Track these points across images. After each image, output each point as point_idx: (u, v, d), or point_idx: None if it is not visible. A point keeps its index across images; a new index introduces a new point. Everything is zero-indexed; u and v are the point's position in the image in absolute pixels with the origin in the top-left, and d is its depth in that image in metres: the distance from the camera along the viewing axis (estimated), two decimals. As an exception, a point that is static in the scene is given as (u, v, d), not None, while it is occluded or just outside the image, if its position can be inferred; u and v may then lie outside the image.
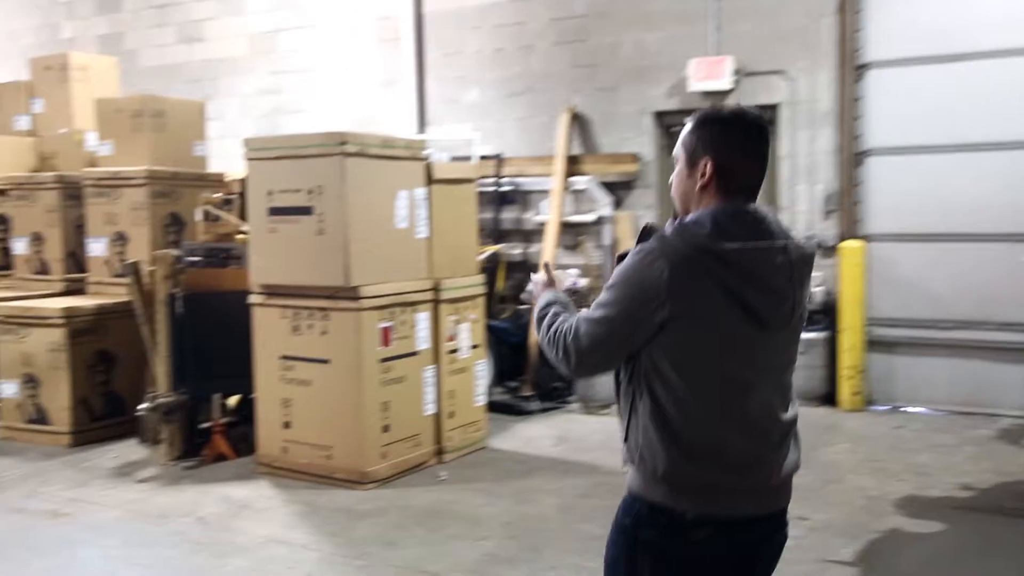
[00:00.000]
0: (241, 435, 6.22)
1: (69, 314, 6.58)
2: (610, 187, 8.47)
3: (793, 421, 2.22)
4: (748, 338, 2.11)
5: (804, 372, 7.60)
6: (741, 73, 7.94)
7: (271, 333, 5.81)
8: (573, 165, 8.51)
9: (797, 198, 7.95)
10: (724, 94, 8.00)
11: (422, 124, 9.46)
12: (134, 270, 6.35)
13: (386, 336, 5.72)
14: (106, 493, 5.49)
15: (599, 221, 8.44)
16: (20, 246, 7.91)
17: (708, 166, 2.16)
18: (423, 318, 6.01)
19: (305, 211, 5.59)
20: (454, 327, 6.25)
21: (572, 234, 8.55)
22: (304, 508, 5.22)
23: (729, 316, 2.07)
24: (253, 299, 5.88)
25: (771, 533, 2.21)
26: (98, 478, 5.79)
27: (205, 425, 6.18)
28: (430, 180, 6.10)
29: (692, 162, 2.21)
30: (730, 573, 2.16)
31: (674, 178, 2.28)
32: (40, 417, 6.66)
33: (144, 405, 6.00)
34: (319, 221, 5.54)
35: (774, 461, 2.17)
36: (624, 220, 8.33)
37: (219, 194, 6.81)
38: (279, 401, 5.80)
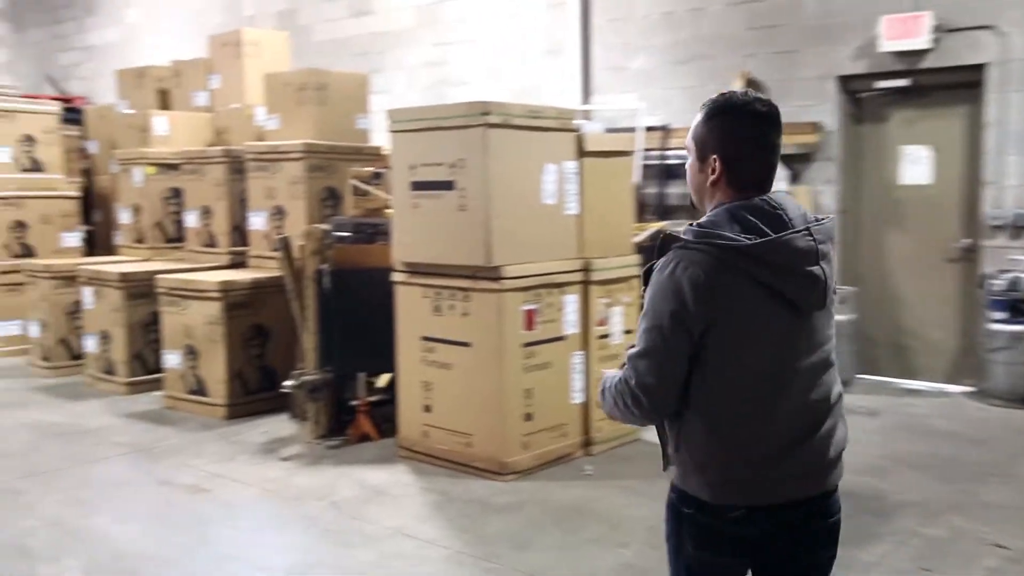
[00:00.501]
0: (387, 415, 6.08)
1: (225, 288, 6.64)
2: (787, 159, 7.75)
3: (838, 399, 2.24)
4: (786, 327, 2.14)
5: (1006, 368, 6.71)
6: (941, 30, 7.04)
7: (413, 313, 5.61)
8: (746, 136, 7.84)
9: (1005, 171, 6.99)
10: (921, 54, 7.12)
11: (586, 94, 9.03)
12: (285, 245, 6.31)
13: (530, 319, 5.39)
14: (248, 470, 5.46)
15: (774, 196, 7.75)
16: (191, 219, 8.12)
17: (717, 162, 2.17)
18: (571, 300, 5.63)
19: (447, 186, 5.33)
20: (605, 311, 5.84)
21: (743, 210, 7.90)
22: (438, 498, 4.99)
23: (765, 309, 2.11)
24: (396, 277, 5.69)
25: (816, 513, 2.22)
26: (244, 453, 5.80)
27: (355, 402, 6.08)
28: (581, 152, 5.69)
29: (702, 157, 2.21)
30: (771, 550, 2.20)
31: (688, 170, 2.28)
32: (199, 388, 6.78)
33: (289, 382, 5.96)
34: (460, 196, 5.26)
35: (819, 443, 2.19)
36: (802, 196, 7.61)
37: (370, 168, 6.67)
38: (420, 384, 5.60)
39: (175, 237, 8.50)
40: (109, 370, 7.54)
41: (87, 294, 7.65)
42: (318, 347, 6.09)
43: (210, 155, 7.94)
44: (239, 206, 7.76)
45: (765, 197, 2.16)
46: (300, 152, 7.17)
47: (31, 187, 9.08)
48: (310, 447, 5.93)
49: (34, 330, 8.27)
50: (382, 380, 6.25)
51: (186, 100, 9.69)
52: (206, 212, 7.98)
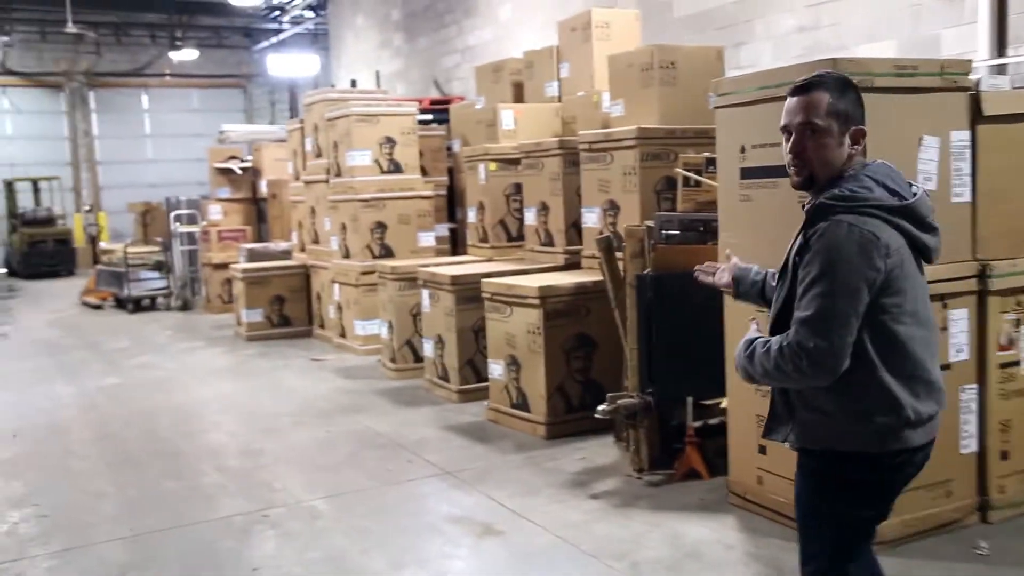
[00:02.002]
0: (721, 448, 5.05)
1: (545, 294, 6.00)
2: None
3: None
4: (922, 277, 2.45)
5: None
6: None
7: (743, 329, 4.51)
8: None
9: None
10: None
11: (1000, 45, 7.15)
12: (606, 246, 5.52)
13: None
14: (550, 509, 4.74)
15: None
16: (529, 216, 7.65)
17: (859, 132, 2.48)
18: (960, 317, 4.20)
19: (785, 172, 4.16)
20: (1012, 330, 4.30)
21: None
22: (766, 572, 3.89)
23: (914, 261, 2.40)
24: (724, 286, 4.62)
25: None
26: (552, 485, 5.09)
27: (693, 427, 5.14)
28: (977, 118, 4.22)
29: (843, 130, 2.44)
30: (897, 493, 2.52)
31: (817, 146, 2.44)
32: (521, 402, 6.23)
33: (602, 406, 5.15)
34: (801, 184, 4.08)
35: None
36: None
37: (705, 154, 5.64)
38: (755, 417, 4.50)
39: (517, 236, 8.11)
40: (444, 376, 7.30)
41: (425, 297, 7.47)
42: (639, 365, 5.22)
43: (546, 147, 7.39)
44: (576, 201, 7.12)
45: (881, 161, 2.49)
46: (633, 139, 6.32)
47: (390, 188, 9.22)
48: (628, 482, 5.08)
49: (384, 331, 8.33)
50: (726, 403, 5.23)
51: (539, 91, 9.31)
52: (543, 208, 7.44)
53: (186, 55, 23.54)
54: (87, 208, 23.30)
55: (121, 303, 13.72)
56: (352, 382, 7.99)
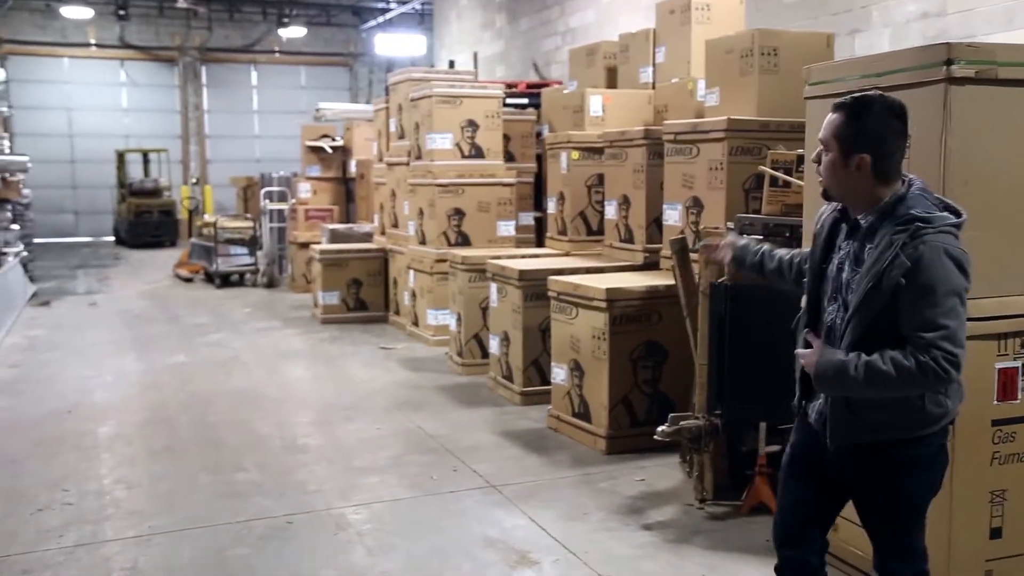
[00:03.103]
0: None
1: (613, 296, 5.50)
2: None
3: None
4: None
5: None
6: None
7: (826, 355, 3.93)
8: None
9: None
10: None
11: None
12: (679, 247, 4.98)
13: (1010, 383, 3.44)
14: (596, 538, 4.27)
15: None
16: (610, 210, 7.15)
17: (863, 159, 2.62)
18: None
19: (883, 175, 3.57)
20: None
21: None
22: (832, 641, 3.34)
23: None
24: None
25: None
26: (604, 509, 4.62)
27: (765, 455, 4.59)
28: (1124, 120, 3.53)
29: (848, 154, 2.63)
30: None
31: (825, 165, 2.69)
32: (583, 412, 5.77)
33: (663, 427, 4.63)
34: (902, 191, 3.49)
35: None
36: None
37: (798, 151, 5.03)
38: (985, 494, 3.91)
39: (598, 230, 7.62)
40: (508, 375, 6.88)
41: (493, 291, 7.06)
42: (708, 382, 4.69)
43: (631, 137, 6.85)
44: (659, 196, 6.58)
45: (919, 180, 2.70)
46: (722, 131, 5.75)
47: (470, 173, 8.83)
48: (687, 512, 4.57)
49: (452, 323, 7.96)
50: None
51: (633, 77, 8.74)
52: (624, 202, 6.93)
53: (294, 32, 23.72)
54: (194, 181, 23.76)
55: (210, 277, 13.78)
56: (416, 375, 7.66)
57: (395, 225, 10.15)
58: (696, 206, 5.99)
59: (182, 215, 22.35)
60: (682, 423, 4.61)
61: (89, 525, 4.46)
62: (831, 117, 2.64)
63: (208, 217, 17.59)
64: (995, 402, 3.42)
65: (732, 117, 5.80)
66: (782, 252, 3.22)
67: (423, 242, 9.05)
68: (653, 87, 8.31)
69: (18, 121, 23.19)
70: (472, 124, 8.91)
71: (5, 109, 13.39)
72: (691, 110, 7.30)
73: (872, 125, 2.58)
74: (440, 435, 5.90)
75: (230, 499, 4.80)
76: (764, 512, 4.45)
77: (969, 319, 3.32)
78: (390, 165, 10.17)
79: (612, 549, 4.14)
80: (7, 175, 13.64)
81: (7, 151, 14.13)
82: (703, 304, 4.71)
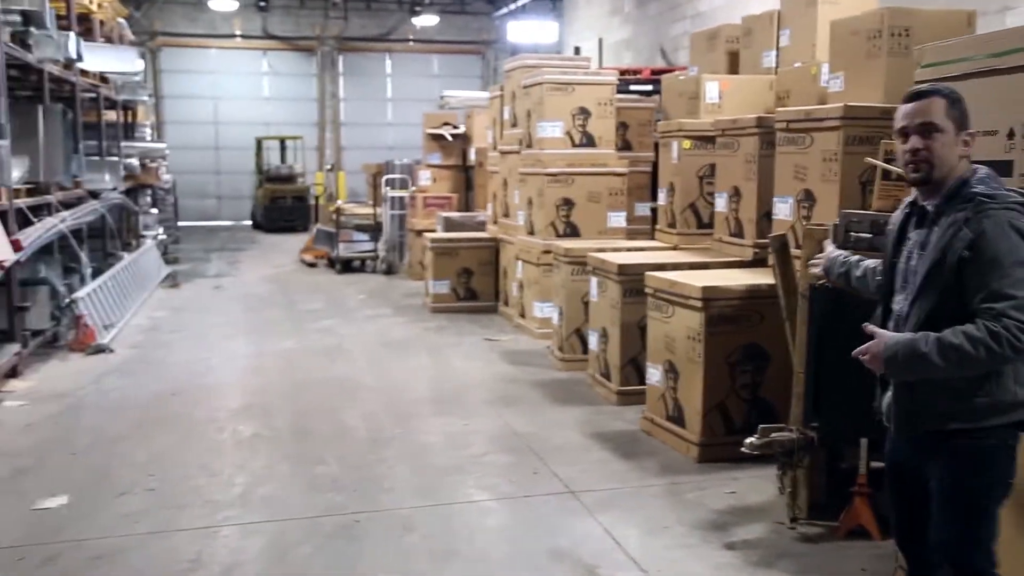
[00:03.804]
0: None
1: (709, 295, 5.17)
2: None
3: None
4: None
5: None
6: None
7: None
8: None
9: None
10: None
11: None
12: (779, 245, 4.62)
13: None
14: (671, 556, 3.99)
15: None
16: (720, 202, 6.77)
17: (971, 135, 2.70)
18: None
19: (1004, 169, 3.15)
20: None
21: None
22: None
23: None
24: (911, 309, 3.65)
25: None
26: (685, 523, 4.32)
27: (862, 472, 4.20)
28: None
29: (959, 132, 2.67)
30: None
31: (940, 147, 2.64)
32: (677, 416, 5.46)
33: (751, 439, 4.28)
34: (1023, 188, 3.06)
35: None
36: None
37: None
38: None
39: (708, 223, 7.24)
40: (605, 373, 6.62)
41: (593, 285, 6.81)
42: (805, 392, 4.32)
43: (743, 125, 6.46)
44: (771, 188, 6.17)
45: (984, 166, 2.71)
46: (837, 118, 5.30)
47: (581, 163, 8.58)
48: (777, 531, 4.23)
49: (555, 317, 7.75)
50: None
51: (755, 62, 8.28)
52: (735, 194, 6.54)
53: (427, 20, 23.89)
54: (328, 167, 24.33)
55: (332, 262, 14.02)
56: (516, 368, 7.49)
57: (506, 214, 10.01)
58: (808, 200, 5.56)
59: (320, 200, 22.94)
60: (774, 435, 4.25)
61: (166, 512, 4.49)
62: (927, 103, 2.67)
63: (333, 203, 17.98)
64: None
65: (850, 104, 5.35)
66: (870, 262, 3.24)
67: (531, 232, 8.87)
68: (776, 72, 7.84)
69: (168, 109, 24.39)
70: (584, 112, 8.65)
71: (147, 98, 14.00)
72: (814, 96, 6.82)
73: (965, 108, 2.69)
74: (527, 433, 5.71)
75: (305, 493, 4.75)
76: (862, 536, 4.09)
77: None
78: (503, 153, 10.03)
79: (688, 568, 3.86)
80: (148, 161, 14.25)
81: (148, 138, 14.74)
82: (802, 307, 4.34)
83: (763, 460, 4.85)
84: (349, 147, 25.54)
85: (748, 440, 4.29)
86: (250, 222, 23.39)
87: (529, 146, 9.00)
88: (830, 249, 3.51)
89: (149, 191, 14.71)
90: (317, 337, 8.82)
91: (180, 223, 20.87)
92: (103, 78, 11.01)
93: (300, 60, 25.33)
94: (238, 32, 24.51)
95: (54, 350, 8.16)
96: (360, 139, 25.41)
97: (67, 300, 8.32)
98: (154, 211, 14.80)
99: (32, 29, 7.60)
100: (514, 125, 9.72)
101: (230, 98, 24.75)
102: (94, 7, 11.32)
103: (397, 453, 5.40)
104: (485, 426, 5.90)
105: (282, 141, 23.48)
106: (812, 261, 3.77)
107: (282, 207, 21.72)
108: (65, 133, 8.80)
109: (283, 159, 23.39)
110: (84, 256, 9.54)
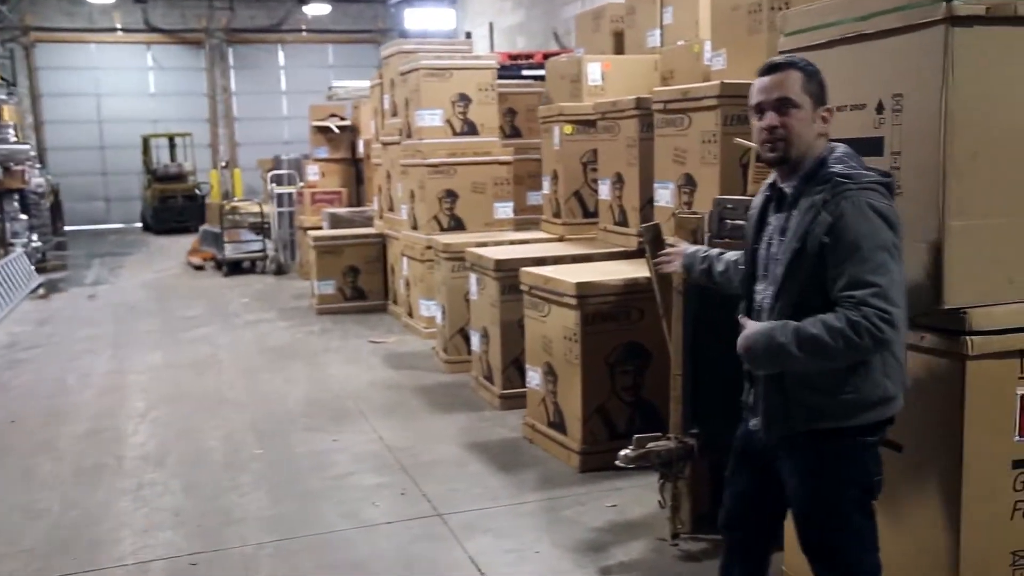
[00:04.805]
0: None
1: (584, 292, 4.80)
2: None
3: None
4: None
5: None
6: None
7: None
8: None
9: None
10: None
11: None
12: (652, 236, 4.25)
13: (1034, 412, 2.69)
14: (543, 584, 3.61)
15: None
16: (604, 189, 6.42)
17: (828, 111, 2.50)
18: None
19: (871, 147, 2.83)
20: None
21: None
22: None
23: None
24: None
25: None
26: (560, 545, 3.94)
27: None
28: None
29: (816, 108, 2.47)
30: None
31: (796, 122, 2.43)
32: (558, 421, 5.08)
33: (625, 451, 3.92)
34: (893, 169, 2.74)
35: None
36: None
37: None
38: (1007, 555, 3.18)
39: (595, 211, 6.89)
40: (488, 376, 6.22)
41: (472, 282, 6.40)
42: (683, 396, 3.98)
43: (622, 107, 6.12)
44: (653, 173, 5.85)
45: (843, 144, 2.50)
46: (714, 97, 4.98)
47: (463, 152, 8.14)
48: (659, 549, 3.88)
49: (438, 316, 7.32)
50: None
51: (640, 42, 7.94)
52: (618, 181, 6.19)
53: (319, 9, 23.13)
54: (223, 164, 23.38)
55: (219, 264, 13.32)
56: (398, 373, 7.03)
57: (391, 208, 9.52)
58: (689, 184, 5.24)
59: (214, 199, 21.99)
60: (650, 445, 3.89)
61: (-28, 566, 3.91)
62: (783, 76, 2.46)
63: (228, 202, 17.17)
64: (1016, 438, 2.66)
65: (726, 81, 5.04)
66: (731, 254, 3.06)
67: (415, 227, 8.41)
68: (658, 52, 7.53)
69: (47, 108, 23.08)
70: (464, 98, 8.21)
71: (3, 97, 13.03)
72: (698, 76, 6.50)
73: (823, 81, 2.50)
74: (401, 448, 5.26)
75: (141, 533, 4.22)
76: (749, 550, 3.73)
77: (980, 332, 2.61)
78: (384, 145, 9.53)
79: (562, 599, 3.47)
80: (11, 164, 13.30)
81: (12, 139, 13.76)
82: (677, 303, 3.99)
83: (650, 467, 4.53)
84: (244, 143, 24.62)
85: (623, 452, 3.91)
86: (140, 224, 22.33)
87: (409, 136, 8.52)
88: (683, 245, 3.35)
89: (16, 196, 13.72)
90: (189, 348, 8.21)
91: (67, 228, 19.75)
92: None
93: (187, 53, 24.26)
94: (119, 25, 23.33)
95: None
96: (255, 134, 24.49)
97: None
98: (23, 217, 13.82)
99: None
100: (395, 115, 9.23)
101: (114, 95, 23.56)
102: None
103: (254, 478, 4.90)
104: (355, 441, 5.43)
105: (171, 138, 22.44)
106: (658, 261, 3.56)
107: (172, 207, 20.75)
108: None
109: (173, 157, 22.37)
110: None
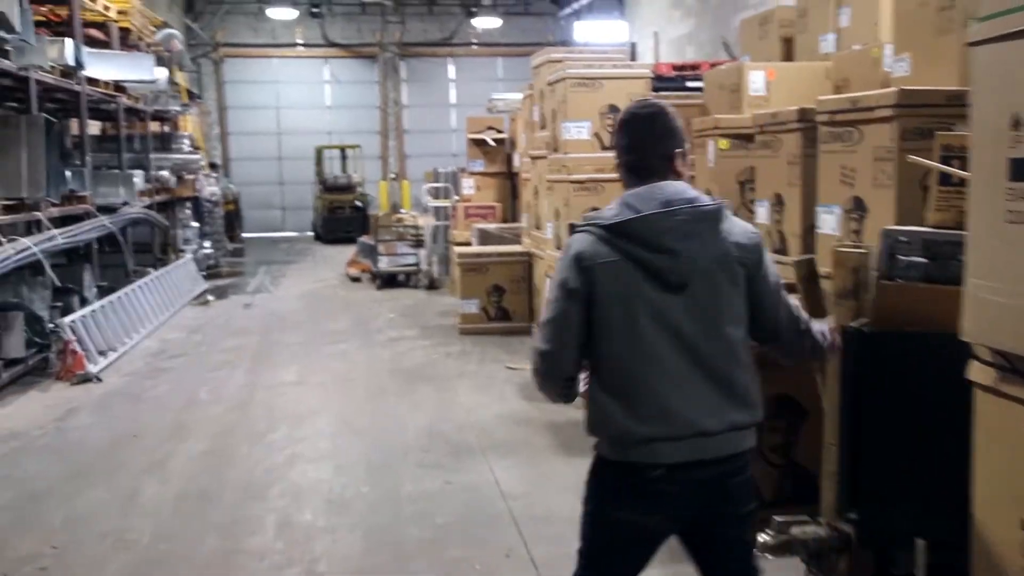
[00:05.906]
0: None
1: (726, 333, 4.12)
2: None
3: (728, 381, 2.60)
4: (651, 298, 2.37)
5: None
6: None
7: (1004, 450, 2.47)
8: None
9: None
10: None
11: None
12: (806, 272, 3.58)
13: None
14: None
15: None
16: (762, 212, 5.69)
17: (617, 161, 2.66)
18: None
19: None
20: None
21: None
22: None
23: (634, 281, 2.36)
24: (973, 370, 2.59)
25: (712, 477, 2.64)
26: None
27: None
28: None
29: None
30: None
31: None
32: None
33: (765, 536, 3.23)
34: None
35: (694, 414, 2.49)
36: None
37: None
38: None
39: (752, 234, 6.16)
40: (622, 417, 5.60)
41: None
42: (839, 472, 3.27)
43: (783, 120, 5.37)
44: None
45: (655, 184, 2.45)
46: (889, 107, 4.21)
47: (611, 168, 7.54)
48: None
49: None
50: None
51: (812, 48, 7.14)
52: (777, 203, 5.47)
53: (489, 23, 23.10)
54: (392, 176, 23.72)
55: (374, 276, 13.28)
56: (530, 405, 6.52)
57: (538, 226, 9.05)
58: (858, 209, 4.48)
59: (382, 210, 22.32)
60: (794, 530, 3.20)
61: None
62: (665, 119, 2.56)
63: (396, 213, 17.25)
64: None
65: (906, 88, 4.26)
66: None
67: (560, 247, 7.89)
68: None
69: (232, 120, 24.17)
70: (614, 110, 7.63)
71: (178, 108, 13.54)
72: (876, 84, 5.66)
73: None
74: (515, 495, 4.75)
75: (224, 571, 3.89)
76: (915, 670, 2.99)
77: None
78: (533, 158, 9.08)
79: None
80: (184, 173, 13.76)
81: (187, 149, 14.26)
82: (835, 355, 3.29)
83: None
84: (413, 155, 24.92)
85: (761, 538, 3.24)
86: (312, 233, 22.94)
87: (555, 150, 8.04)
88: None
89: (188, 204, 14.21)
90: (325, 364, 8.02)
91: (245, 235, 20.49)
92: (119, 87, 10.45)
93: (362, 67, 24.83)
94: (299, 41, 24.16)
95: (39, 379, 7.55)
96: (424, 147, 24.76)
97: (51, 326, 7.70)
98: (195, 224, 14.28)
99: (2, 33, 6.97)
100: (543, 127, 8.77)
101: (293, 107, 24.42)
102: (112, 14, 10.79)
103: (350, 522, 4.50)
104: (468, 484, 4.95)
105: (342, 150, 22.98)
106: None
107: (340, 217, 21.17)
108: (51, 145, 8.20)
109: (344, 168, 22.88)
110: (88, 276, 8.96)
